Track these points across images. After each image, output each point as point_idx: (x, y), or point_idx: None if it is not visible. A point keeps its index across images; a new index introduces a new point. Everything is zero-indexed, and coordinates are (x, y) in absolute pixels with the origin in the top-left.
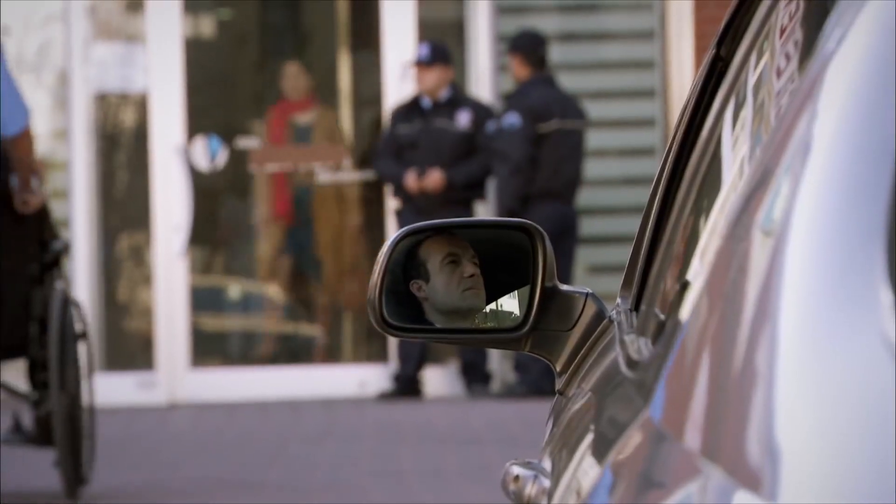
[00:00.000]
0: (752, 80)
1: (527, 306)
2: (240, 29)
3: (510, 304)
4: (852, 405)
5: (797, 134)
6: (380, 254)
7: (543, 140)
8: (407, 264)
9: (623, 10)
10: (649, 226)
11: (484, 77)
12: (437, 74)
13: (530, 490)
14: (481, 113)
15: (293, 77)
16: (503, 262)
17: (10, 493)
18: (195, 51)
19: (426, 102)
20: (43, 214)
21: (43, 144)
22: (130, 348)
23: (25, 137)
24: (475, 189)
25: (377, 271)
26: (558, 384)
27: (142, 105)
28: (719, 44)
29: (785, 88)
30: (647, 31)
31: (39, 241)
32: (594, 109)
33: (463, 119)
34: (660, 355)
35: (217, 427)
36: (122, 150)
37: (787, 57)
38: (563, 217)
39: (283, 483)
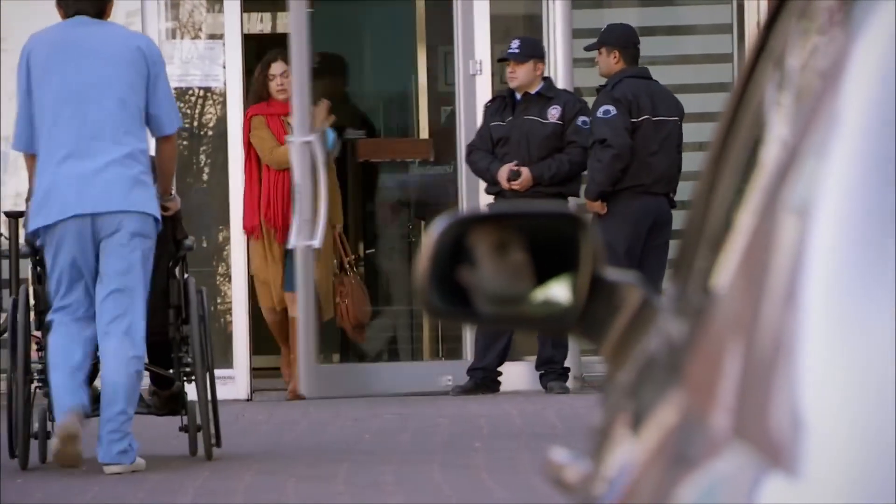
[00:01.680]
0: (786, 61)
1: (574, 293)
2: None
3: (558, 290)
4: (880, 382)
5: (824, 113)
6: (427, 241)
7: (635, 132)
8: (455, 252)
9: (701, 4)
10: (698, 211)
11: (560, 71)
12: (527, 69)
13: (572, 475)
14: (572, 107)
15: (282, 77)
16: (551, 249)
17: (146, 456)
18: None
19: (518, 96)
20: (177, 217)
21: None
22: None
23: (171, 144)
24: (566, 184)
25: (424, 258)
26: (606, 371)
27: (223, 101)
28: (767, 28)
29: (814, 67)
30: (724, 25)
31: (174, 239)
32: None
33: (553, 113)
34: (691, 336)
35: (293, 420)
36: (204, 145)
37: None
38: (651, 210)
39: (353, 477)
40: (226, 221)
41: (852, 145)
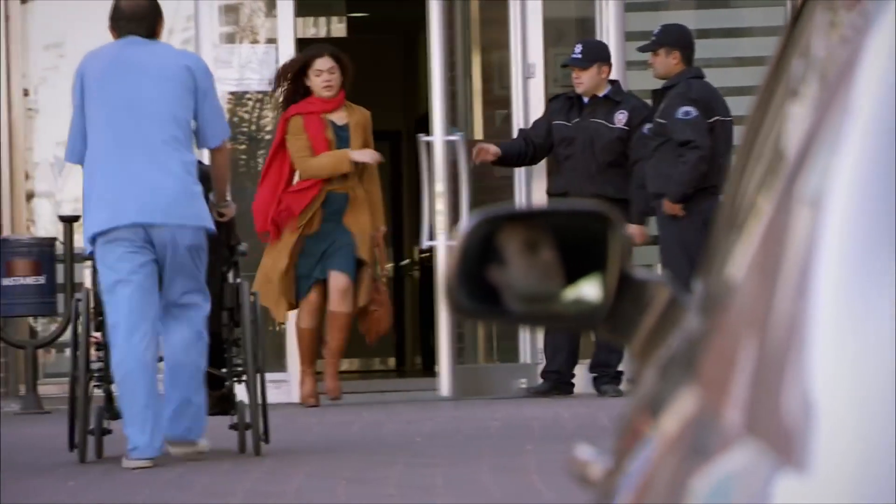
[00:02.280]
0: (808, 54)
1: (604, 292)
2: (375, 29)
3: (588, 289)
4: (891, 376)
5: (838, 105)
6: (455, 241)
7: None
8: (485, 250)
9: (756, 6)
10: (727, 206)
11: (613, 74)
12: (592, 74)
13: (595, 472)
14: (639, 113)
15: (329, 73)
16: (581, 247)
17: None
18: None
19: (585, 99)
20: (231, 223)
21: None
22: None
23: (223, 152)
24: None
25: (453, 257)
26: (633, 369)
27: (276, 102)
28: (794, 21)
29: (830, 59)
30: (778, 28)
31: (228, 245)
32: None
33: (620, 118)
34: (705, 330)
35: (345, 421)
36: (262, 149)
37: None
38: None
39: (404, 479)
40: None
41: (865, 138)
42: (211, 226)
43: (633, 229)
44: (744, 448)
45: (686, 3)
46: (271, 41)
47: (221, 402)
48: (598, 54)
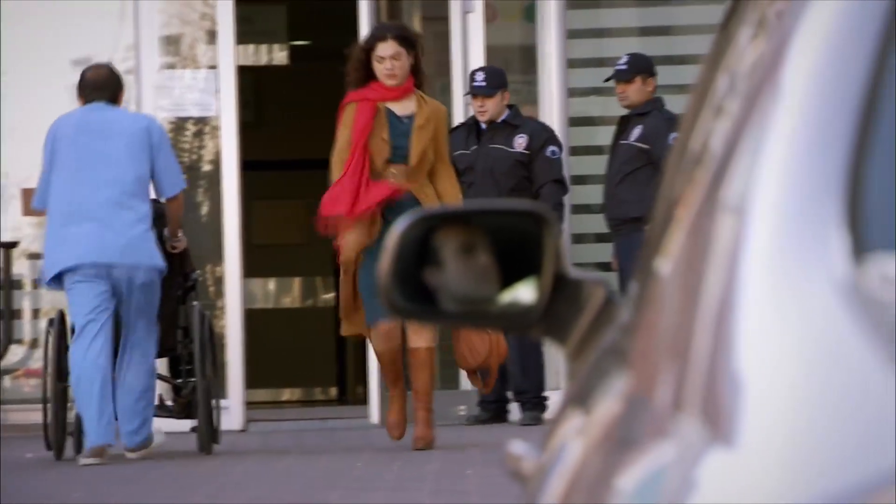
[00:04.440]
0: (730, 62)
1: (539, 291)
2: (317, 57)
3: (524, 290)
4: (816, 351)
5: (760, 109)
6: (389, 239)
7: None
8: (421, 251)
9: (701, 34)
10: (658, 210)
11: (555, 102)
12: (496, 102)
13: (527, 466)
14: (539, 136)
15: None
16: (516, 246)
17: (160, 454)
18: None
19: (483, 125)
20: (185, 253)
21: None
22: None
23: (177, 200)
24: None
25: (388, 256)
26: (568, 370)
27: (216, 131)
28: (724, 26)
29: (750, 66)
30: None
31: (182, 272)
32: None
33: (520, 142)
34: (633, 319)
35: (285, 448)
36: (202, 179)
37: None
38: None
39: (344, 502)
40: (219, 255)
41: (785, 144)
42: (161, 264)
43: None
44: (674, 427)
45: (630, 32)
46: (212, 68)
47: (187, 408)
48: (501, 80)
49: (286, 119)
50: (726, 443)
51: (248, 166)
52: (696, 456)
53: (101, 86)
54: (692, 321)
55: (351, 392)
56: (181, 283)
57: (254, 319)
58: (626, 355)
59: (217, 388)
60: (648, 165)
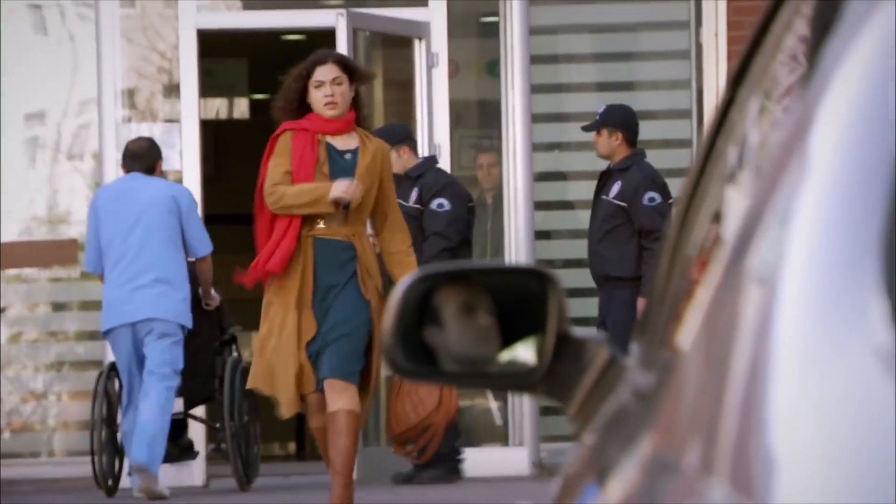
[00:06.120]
0: (747, 121)
1: (541, 351)
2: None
3: (525, 349)
4: (851, 417)
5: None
6: (392, 299)
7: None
8: (421, 310)
9: (660, 90)
10: (663, 273)
11: (519, 156)
12: (394, 157)
13: None
14: (428, 189)
15: (333, 84)
16: (519, 307)
17: (208, 490)
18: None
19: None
20: (221, 310)
21: (84, 228)
22: None
23: (206, 261)
24: None
25: (390, 315)
26: (573, 429)
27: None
28: (734, 85)
29: (776, 126)
30: (684, 111)
31: (220, 326)
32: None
33: (413, 196)
34: (659, 385)
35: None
36: None
37: (780, 94)
38: None
39: None
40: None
41: (817, 212)
42: (184, 320)
43: None
44: (704, 490)
45: (590, 85)
46: (170, 122)
47: (184, 452)
48: (403, 134)
49: (246, 172)
50: None
51: (209, 220)
52: None
53: (139, 155)
54: (721, 391)
55: (310, 447)
56: (218, 335)
57: None
58: (651, 418)
59: (254, 432)
60: (628, 223)
